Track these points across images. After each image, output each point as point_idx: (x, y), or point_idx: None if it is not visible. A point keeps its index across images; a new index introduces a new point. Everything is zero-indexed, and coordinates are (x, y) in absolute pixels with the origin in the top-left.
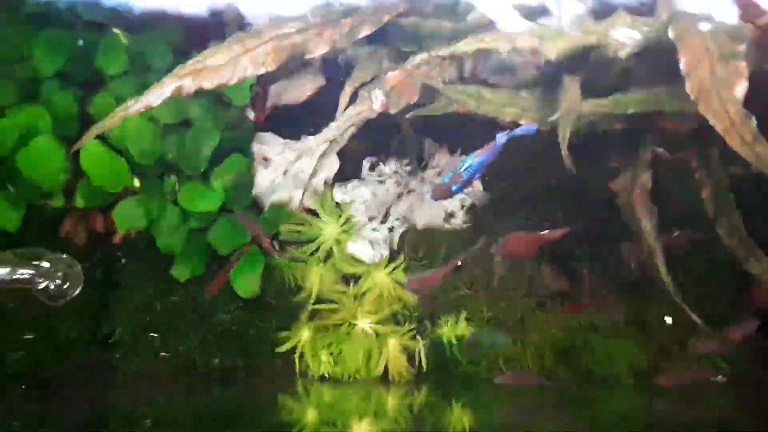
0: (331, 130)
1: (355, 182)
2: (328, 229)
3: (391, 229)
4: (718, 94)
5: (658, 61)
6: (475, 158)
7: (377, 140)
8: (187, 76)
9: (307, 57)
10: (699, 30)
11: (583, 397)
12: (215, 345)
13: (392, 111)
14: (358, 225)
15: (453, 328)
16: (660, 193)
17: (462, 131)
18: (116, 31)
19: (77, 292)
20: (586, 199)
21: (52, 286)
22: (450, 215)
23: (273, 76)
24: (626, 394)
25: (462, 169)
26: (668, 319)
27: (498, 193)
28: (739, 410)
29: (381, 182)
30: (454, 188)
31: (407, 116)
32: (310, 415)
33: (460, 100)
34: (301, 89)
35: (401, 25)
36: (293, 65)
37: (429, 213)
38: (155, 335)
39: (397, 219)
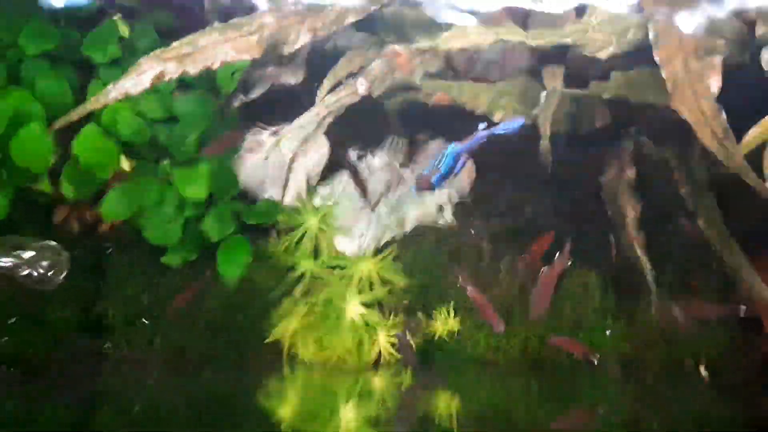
0: (308, 116)
1: (341, 178)
2: (311, 221)
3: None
4: (692, 86)
5: (638, 56)
6: (453, 150)
7: (366, 132)
8: (171, 60)
9: (288, 47)
10: (677, 28)
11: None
12: (205, 332)
13: (375, 94)
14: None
15: (445, 323)
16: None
17: (456, 123)
18: (115, 19)
19: (62, 277)
20: (574, 192)
21: (36, 274)
22: (440, 209)
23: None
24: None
25: (439, 161)
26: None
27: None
28: (721, 406)
29: (370, 175)
30: (433, 180)
31: (386, 105)
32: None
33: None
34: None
35: (386, 15)
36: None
37: (419, 207)
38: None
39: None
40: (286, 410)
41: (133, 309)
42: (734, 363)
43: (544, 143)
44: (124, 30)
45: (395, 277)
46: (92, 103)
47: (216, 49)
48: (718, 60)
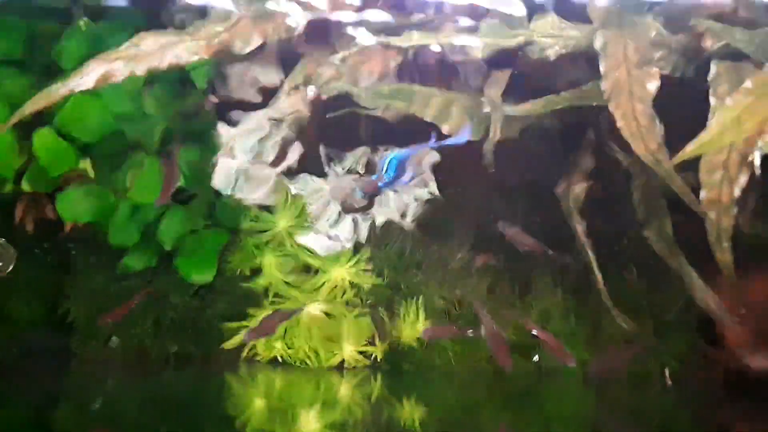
0: (256, 119)
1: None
2: (282, 221)
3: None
4: (630, 94)
5: (587, 62)
6: (398, 156)
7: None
8: (117, 61)
9: (239, 52)
10: (623, 37)
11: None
12: (168, 331)
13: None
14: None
15: (412, 328)
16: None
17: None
18: (81, 21)
19: (10, 269)
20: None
21: None
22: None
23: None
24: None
25: (384, 167)
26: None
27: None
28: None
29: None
30: (380, 185)
31: (327, 116)
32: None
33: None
34: None
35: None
36: None
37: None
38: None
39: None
40: (248, 412)
41: (95, 308)
42: (695, 371)
43: (489, 160)
44: (85, 28)
45: (367, 280)
46: (34, 104)
47: (164, 50)
48: (656, 70)
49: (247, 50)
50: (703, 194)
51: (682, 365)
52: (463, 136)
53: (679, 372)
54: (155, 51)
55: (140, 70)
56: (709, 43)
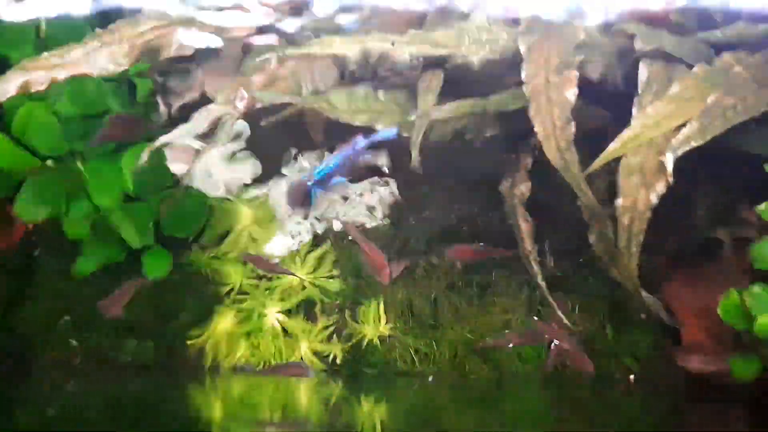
0: (181, 130)
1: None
2: (244, 215)
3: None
4: (548, 99)
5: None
6: (330, 159)
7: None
8: (38, 69)
9: (165, 56)
10: (547, 40)
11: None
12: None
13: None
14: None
15: (375, 327)
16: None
17: None
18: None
19: None
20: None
21: None
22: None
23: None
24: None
25: (316, 170)
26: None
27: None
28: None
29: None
30: (307, 190)
31: (262, 123)
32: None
33: (314, 107)
34: None
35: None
36: None
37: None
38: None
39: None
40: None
41: (56, 311)
42: (658, 371)
43: (415, 162)
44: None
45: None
46: None
47: (87, 58)
48: (575, 74)
49: (173, 54)
50: (619, 201)
51: (643, 366)
52: (391, 132)
53: (641, 373)
54: (78, 59)
55: (62, 78)
56: (639, 47)
